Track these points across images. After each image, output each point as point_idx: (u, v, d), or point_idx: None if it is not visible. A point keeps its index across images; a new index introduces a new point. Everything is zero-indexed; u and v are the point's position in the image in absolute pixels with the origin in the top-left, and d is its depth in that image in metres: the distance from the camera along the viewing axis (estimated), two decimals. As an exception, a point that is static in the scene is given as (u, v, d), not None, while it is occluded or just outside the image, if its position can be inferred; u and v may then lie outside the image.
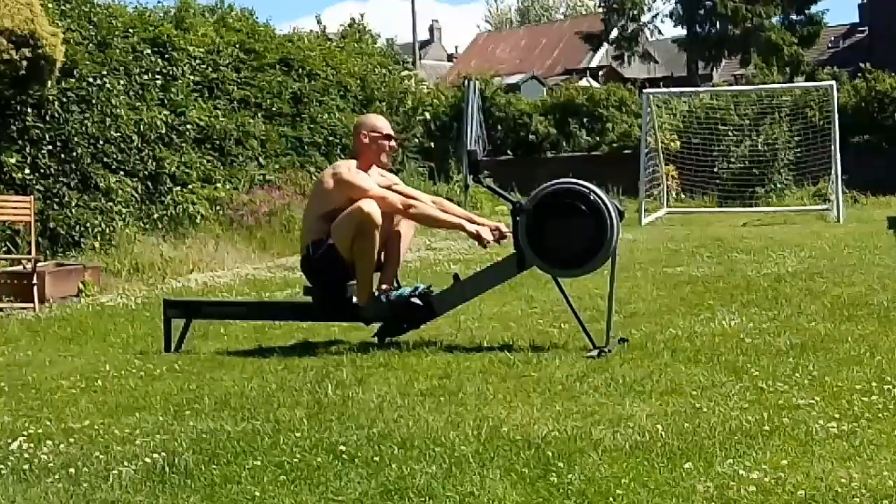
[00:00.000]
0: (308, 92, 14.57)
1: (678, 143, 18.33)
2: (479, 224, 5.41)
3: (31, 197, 8.71)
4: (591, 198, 4.99)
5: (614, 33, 34.28)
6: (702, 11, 32.09)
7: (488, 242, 5.33)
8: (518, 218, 5.09)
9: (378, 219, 5.14)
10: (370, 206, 5.13)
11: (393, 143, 5.54)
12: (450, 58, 52.49)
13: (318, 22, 20.19)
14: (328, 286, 5.35)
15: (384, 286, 5.33)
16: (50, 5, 9.95)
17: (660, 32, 35.26)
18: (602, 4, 34.45)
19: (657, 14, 34.39)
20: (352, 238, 5.16)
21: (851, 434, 3.25)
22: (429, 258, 10.36)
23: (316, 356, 5.05)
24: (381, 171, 5.58)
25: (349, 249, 5.19)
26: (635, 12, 33.25)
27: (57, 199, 9.89)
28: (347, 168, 5.36)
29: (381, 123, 5.55)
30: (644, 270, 8.16)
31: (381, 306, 5.26)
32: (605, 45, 34.97)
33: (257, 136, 13.23)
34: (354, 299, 5.34)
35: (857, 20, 41.55)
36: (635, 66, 34.73)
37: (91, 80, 10.34)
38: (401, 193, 5.46)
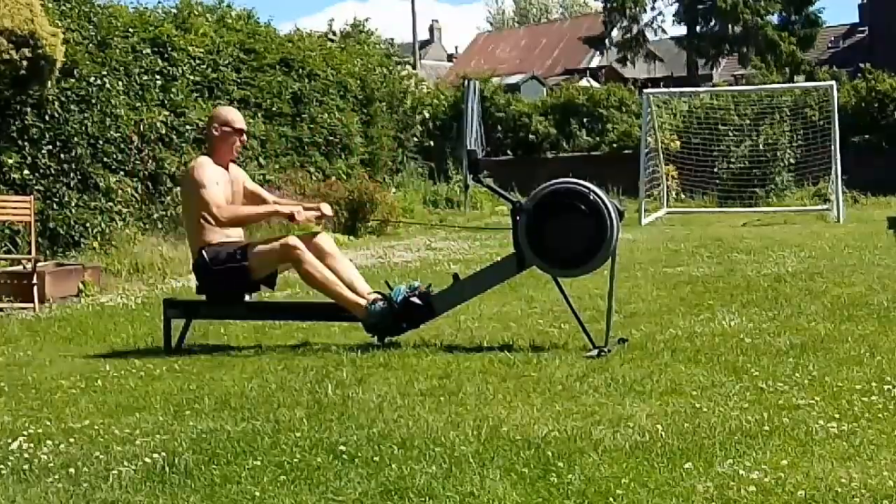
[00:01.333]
0: (308, 92, 14.58)
1: (678, 143, 18.33)
2: (291, 205, 5.63)
3: (31, 197, 8.70)
4: (591, 198, 4.99)
5: (617, 35, 34.18)
6: (701, 7, 32.06)
7: (298, 220, 5.45)
8: (518, 217, 5.09)
9: (299, 247, 5.28)
10: (291, 241, 5.31)
11: (244, 137, 5.65)
12: (450, 58, 52.49)
13: (330, 27, 20.26)
14: (226, 293, 5.50)
15: (369, 295, 5.35)
16: (50, 5, 9.94)
17: (664, 32, 35.21)
18: (604, 4, 34.31)
19: (659, 13, 34.35)
20: (274, 267, 5.45)
21: (851, 434, 3.25)
22: (429, 258, 10.36)
23: (316, 356, 5.05)
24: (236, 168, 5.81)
25: (264, 271, 5.41)
26: (636, 11, 33.16)
27: (57, 199, 9.88)
28: (199, 164, 5.50)
29: (233, 117, 5.65)
30: (644, 270, 8.16)
31: (378, 312, 5.26)
32: (609, 47, 34.84)
33: (257, 136, 13.24)
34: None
35: (857, 20, 41.61)
36: (636, 65, 34.68)
37: (91, 80, 10.33)
38: (250, 192, 5.64)
